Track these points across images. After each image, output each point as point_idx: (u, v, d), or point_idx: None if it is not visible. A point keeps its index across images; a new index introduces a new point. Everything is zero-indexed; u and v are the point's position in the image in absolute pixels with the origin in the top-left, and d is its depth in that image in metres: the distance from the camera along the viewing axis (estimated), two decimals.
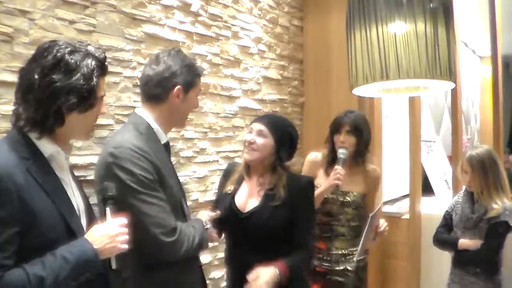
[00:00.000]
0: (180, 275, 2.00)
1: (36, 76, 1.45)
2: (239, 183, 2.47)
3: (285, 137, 2.41)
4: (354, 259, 2.82)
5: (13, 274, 1.34)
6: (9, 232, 1.36)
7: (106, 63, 1.61)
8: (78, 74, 1.48)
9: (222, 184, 2.55)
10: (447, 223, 3.22)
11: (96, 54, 1.56)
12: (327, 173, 2.91)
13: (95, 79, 1.52)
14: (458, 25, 4.04)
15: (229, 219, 2.36)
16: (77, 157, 2.39)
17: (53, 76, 1.45)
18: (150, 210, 1.82)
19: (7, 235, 1.35)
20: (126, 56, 2.64)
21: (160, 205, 1.85)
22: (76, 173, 2.32)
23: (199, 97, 2.20)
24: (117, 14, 2.60)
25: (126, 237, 1.56)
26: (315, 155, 3.02)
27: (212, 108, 3.30)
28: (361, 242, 2.71)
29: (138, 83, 2.64)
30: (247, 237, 2.34)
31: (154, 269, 1.91)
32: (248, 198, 2.40)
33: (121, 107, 2.62)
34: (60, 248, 1.43)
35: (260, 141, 2.35)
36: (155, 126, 2.02)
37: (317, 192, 2.77)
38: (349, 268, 2.87)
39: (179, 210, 2.03)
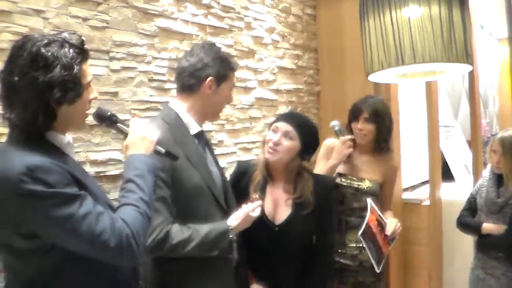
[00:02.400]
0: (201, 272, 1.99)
1: (16, 78, 1.39)
2: (263, 189, 2.34)
3: (311, 140, 2.36)
4: (377, 270, 2.64)
5: (125, 210, 1.47)
6: (87, 194, 1.44)
7: (85, 46, 1.54)
8: (58, 66, 1.42)
9: (236, 185, 2.37)
10: (471, 206, 3.20)
11: (72, 41, 1.49)
12: (343, 162, 2.84)
13: (76, 67, 1.46)
14: (473, 7, 3.99)
15: (259, 230, 2.19)
16: (96, 153, 2.40)
17: (33, 74, 1.39)
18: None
19: (88, 195, 1.44)
20: (140, 51, 2.65)
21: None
22: (96, 169, 2.38)
23: (233, 92, 2.22)
24: (129, 10, 2.60)
25: (152, 129, 1.71)
26: (333, 141, 2.91)
27: None
28: (362, 227, 2.58)
29: (154, 78, 2.69)
30: (278, 249, 2.26)
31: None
32: (276, 207, 2.31)
33: (137, 101, 2.62)
34: (125, 174, 1.56)
35: (286, 143, 2.26)
36: (186, 116, 2.06)
37: (328, 164, 2.75)
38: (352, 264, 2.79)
39: (207, 199, 2.01)
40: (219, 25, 3.22)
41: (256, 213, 2.05)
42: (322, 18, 4.24)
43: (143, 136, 1.65)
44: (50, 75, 1.40)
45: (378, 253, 2.63)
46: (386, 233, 2.65)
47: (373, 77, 2.61)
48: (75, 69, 1.45)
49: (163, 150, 1.74)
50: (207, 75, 2.05)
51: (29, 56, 1.40)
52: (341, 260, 2.80)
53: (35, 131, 1.45)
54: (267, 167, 2.36)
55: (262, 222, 2.21)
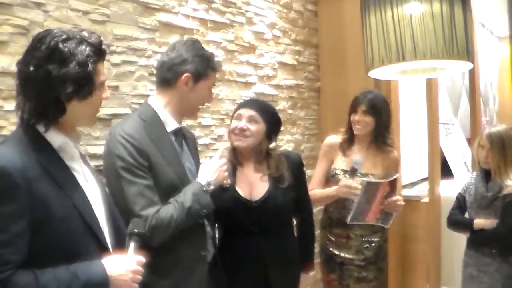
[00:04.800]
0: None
1: (31, 68, 1.42)
2: (233, 174, 2.38)
3: (274, 121, 2.42)
4: (347, 220, 2.70)
5: (22, 277, 1.34)
6: (17, 227, 1.35)
7: (103, 47, 1.56)
8: (73, 62, 1.44)
9: None
10: (460, 205, 3.20)
11: (91, 40, 1.51)
12: (344, 154, 2.87)
13: (90, 65, 1.48)
14: (474, 5, 3.97)
15: (237, 210, 2.30)
16: (95, 147, 2.39)
17: (48, 67, 1.42)
18: (127, 190, 1.89)
19: (16, 230, 1.35)
20: (140, 45, 2.64)
21: (135, 187, 1.90)
22: (94, 163, 2.34)
23: (214, 91, 2.21)
24: (130, 4, 2.59)
25: (140, 278, 1.55)
26: (334, 138, 2.95)
27: (229, 95, 3.28)
28: (353, 208, 2.65)
29: (154, 72, 2.67)
30: (260, 225, 2.29)
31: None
32: (252, 187, 2.35)
33: (137, 95, 2.61)
34: (75, 264, 1.42)
35: (252, 127, 2.31)
36: (163, 113, 2.07)
37: (324, 193, 2.79)
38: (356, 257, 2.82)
39: (178, 191, 2.01)
40: (220, 20, 3.21)
41: (223, 159, 2.15)
42: (323, 14, 4.22)
43: (126, 282, 1.51)
44: (64, 69, 1.43)
45: (361, 214, 2.69)
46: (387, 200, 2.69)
47: (374, 74, 2.61)
48: (89, 67, 1.47)
49: None
50: (184, 71, 2.05)
51: (46, 50, 1.43)
52: (345, 255, 2.84)
53: (42, 123, 1.47)
54: (235, 154, 2.41)
55: (240, 202, 2.30)
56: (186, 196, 1.96)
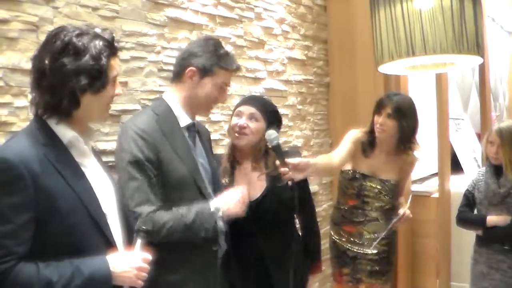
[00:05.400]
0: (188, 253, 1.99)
1: (46, 62, 1.46)
2: (231, 173, 2.38)
3: (274, 118, 2.40)
4: (369, 250, 2.73)
5: (25, 269, 1.36)
6: (22, 218, 1.37)
7: (115, 43, 1.61)
8: (87, 56, 1.49)
9: None
10: (469, 202, 3.16)
11: (104, 35, 1.57)
12: (365, 155, 2.83)
13: (104, 59, 1.52)
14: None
15: None
16: (105, 143, 2.39)
17: (63, 60, 1.46)
18: (128, 184, 1.90)
19: (20, 221, 1.36)
20: (150, 41, 2.63)
21: (135, 182, 1.90)
22: (104, 159, 2.32)
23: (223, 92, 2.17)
24: None
25: (145, 275, 1.55)
26: (358, 134, 2.85)
27: (238, 90, 3.27)
28: (377, 240, 2.66)
29: (163, 68, 2.68)
30: (259, 224, 2.28)
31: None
32: (250, 185, 2.31)
33: (147, 91, 2.61)
34: (79, 259, 1.44)
35: (252, 125, 2.31)
36: (177, 108, 2.08)
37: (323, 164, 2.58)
38: (367, 251, 2.80)
39: (191, 191, 2.01)
40: (229, 15, 3.20)
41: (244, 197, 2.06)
42: (333, 9, 4.20)
43: (131, 278, 1.52)
44: (79, 62, 1.48)
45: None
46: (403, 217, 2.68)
47: (383, 69, 2.61)
48: (103, 60, 1.52)
49: None
50: (190, 64, 2.06)
51: (61, 44, 1.48)
52: (358, 250, 2.84)
53: (55, 117, 1.50)
54: (234, 152, 2.41)
55: None
56: (190, 211, 1.93)
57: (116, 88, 1.62)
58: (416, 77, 4.36)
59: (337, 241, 2.93)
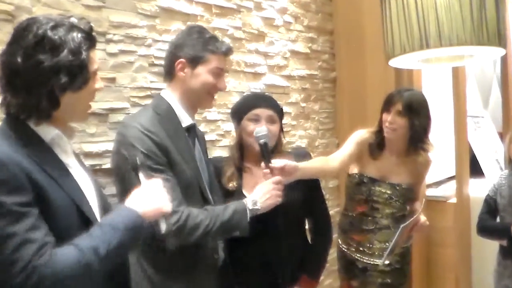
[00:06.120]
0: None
1: (19, 59, 1.43)
2: (239, 177, 2.42)
3: (282, 117, 2.46)
4: (380, 262, 2.70)
5: (63, 250, 1.37)
6: (35, 212, 1.37)
7: (93, 33, 1.60)
8: (65, 51, 1.46)
9: None
10: (491, 208, 3.12)
11: (81, 26, 1.54)
12: (373, 157, 2.84)
13: (84, 53, 1.51)
14: None
15: None
16: (91, 144, 2.40)
17: (39, 57, 1.44)
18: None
19: (35, 214, 1.37)
20: (140, 33, 2.65)
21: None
22: (91, 162, 2.36)
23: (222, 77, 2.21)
24: None
25: (167, 197, 1.65)
26: (365, 134, 2.87)
27: (236, 87, 3.29)
28: (387, 250, 2.62)
29: (154, 62, 2.69)
30: (266, 227, 2.30)
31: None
32: (256, 184, 2.32)
33: (137, 88, 2.63)
34: (102, 219, 1.51)
35: (273, 128, 2.34)
36: (178, 107, 2.12)
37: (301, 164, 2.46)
38: (377, 262, 2.78)
39: (195, 195, 2.07)
40: (226, 5, 3.22)
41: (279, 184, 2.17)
42: None
43: (155, 200, 1.62)
44: (57, 59, 1.45)
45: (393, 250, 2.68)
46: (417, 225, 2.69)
47: (395, 62, 2.60)
48: (83, 55, 1.50)
49: (162, 230, 1.77)
50: (178, 57, 2.10)
51: (34, 38, 1.44)
52: (368, 260, 2.83)
53: (33, 118, 1.48)
54: (242, 154, 2.45)
55: None
56: (226, 210, 2.03)
57: (97, 82, 1.62)
58: (431, 71, 4.36)
59: (345, 250, 2.92)
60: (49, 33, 1.46)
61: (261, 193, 2.12)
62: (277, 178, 2.16)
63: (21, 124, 1.49)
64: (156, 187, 1.65)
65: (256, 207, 2.09)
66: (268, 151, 2.23)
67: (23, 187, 1.37)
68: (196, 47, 2.10)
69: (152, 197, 1.61)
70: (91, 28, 1.59)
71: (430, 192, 4.18)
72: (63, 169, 1.54)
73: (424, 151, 2.81)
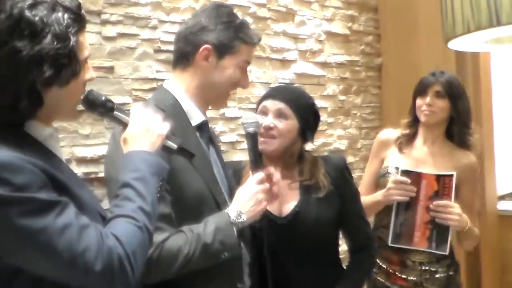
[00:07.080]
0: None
1: None
2: None
3: (310, 114, 2.38)
4: (388, 242, 2.69)
5: (115, 223, 1.43)
6: (68, 200, 1.38)
7: (82, 12, 1.52)
8: (49, 36, 1.39)
9: None
10: None
11: (67, 3, 1.47)
12: (401, 150, 2.83)
13: (72, 38, 1.43)
14: None
15: (264, 229, 2.24)
16: (85, 148, 2.42)
17: (15, 44, 1.36)
18: None
19: (70, 201, 1.39)
20: (142, 13, 2.65)
21: None
22: (84, 169, 2.43)
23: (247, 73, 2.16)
24: None
25: (158, 119, 1.69)
26: (389, 132, 2.94)
27: (260, 77, 3.29)
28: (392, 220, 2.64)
29: (161, 48, 2.65)
30: (289, 247, 2.28)
31: None
32: (281, 199, 2.30)
33: (140, 79, 2.63)
34: (122, 175, 1.54)
35: (281, 125, 2.28)
36: (185, 101, 2.05)
37: (368, 200, 2.73)
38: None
39: (208, 211, 2.00)
40: None
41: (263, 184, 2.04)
42: None
43: (148, 128, 1.63)
44: (39, 47, 1.37)
45: (404, 227, 2.69)
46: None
47: (455, 44, 2.53)
48: (71, 40, 1.43)
49: (175, 146, 1.75)
50: (204, 42, 2.02)
51: (8, 20, 1.37)
52: (398, 284, 2.79)
53: (12, 119, 1.43)
54: (260, 158, 2.36)
55: (265, 218, 2.17)
56: (207, 228, 1.92)
57: (88, 72, 1.56)
58: (502, 55, 4.30)
59: (374, 275, 2.88)
60: (27, 13, 1.38)
61: (243, 199, 2.00)
62: (260, 175, 2.04)
63: (4, 123, 1.43)
64: (144, 113, 1.66)
65: (240, 220, 1.96)
66: (257, 145, 2.15)
67: (48, 185, 1.36)
68: (226, 33, 2.04)
69: (146, 128, 1.62)
70: (79, 6, 1.51)
71: (502, 205, 4.16)
72: (72, 173, 1.56)
73: (465, 143, 2.80)
